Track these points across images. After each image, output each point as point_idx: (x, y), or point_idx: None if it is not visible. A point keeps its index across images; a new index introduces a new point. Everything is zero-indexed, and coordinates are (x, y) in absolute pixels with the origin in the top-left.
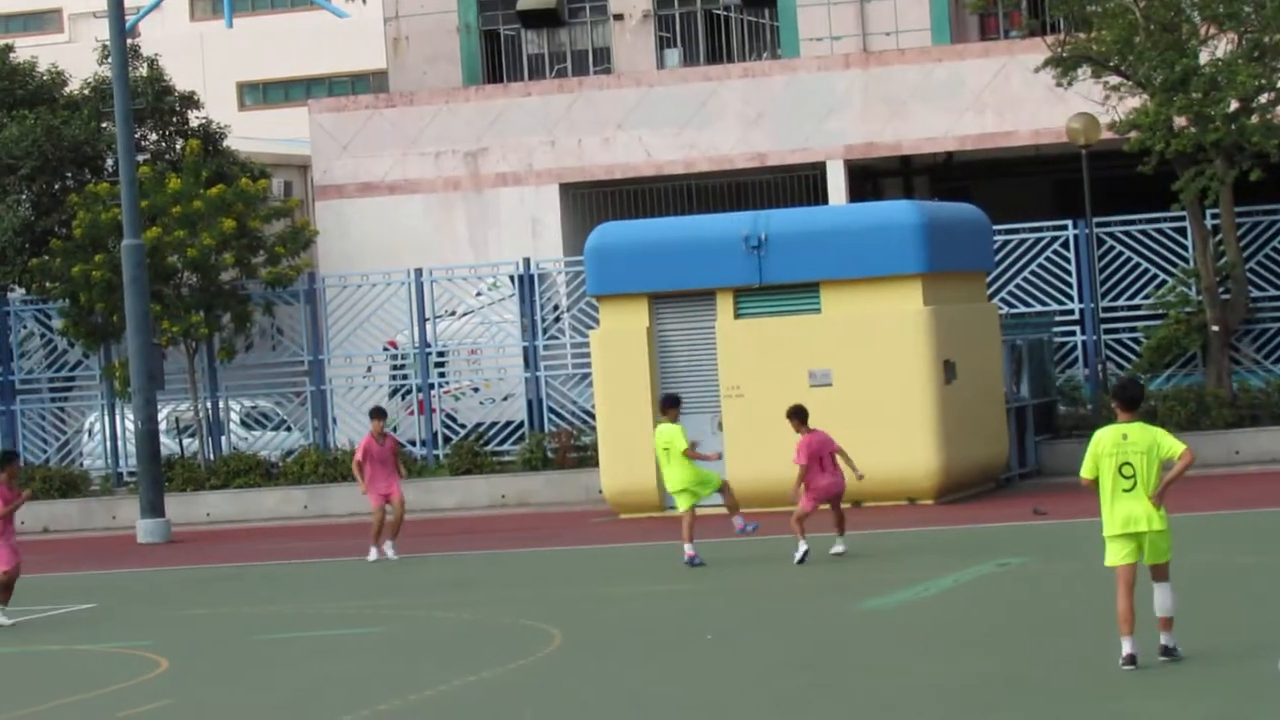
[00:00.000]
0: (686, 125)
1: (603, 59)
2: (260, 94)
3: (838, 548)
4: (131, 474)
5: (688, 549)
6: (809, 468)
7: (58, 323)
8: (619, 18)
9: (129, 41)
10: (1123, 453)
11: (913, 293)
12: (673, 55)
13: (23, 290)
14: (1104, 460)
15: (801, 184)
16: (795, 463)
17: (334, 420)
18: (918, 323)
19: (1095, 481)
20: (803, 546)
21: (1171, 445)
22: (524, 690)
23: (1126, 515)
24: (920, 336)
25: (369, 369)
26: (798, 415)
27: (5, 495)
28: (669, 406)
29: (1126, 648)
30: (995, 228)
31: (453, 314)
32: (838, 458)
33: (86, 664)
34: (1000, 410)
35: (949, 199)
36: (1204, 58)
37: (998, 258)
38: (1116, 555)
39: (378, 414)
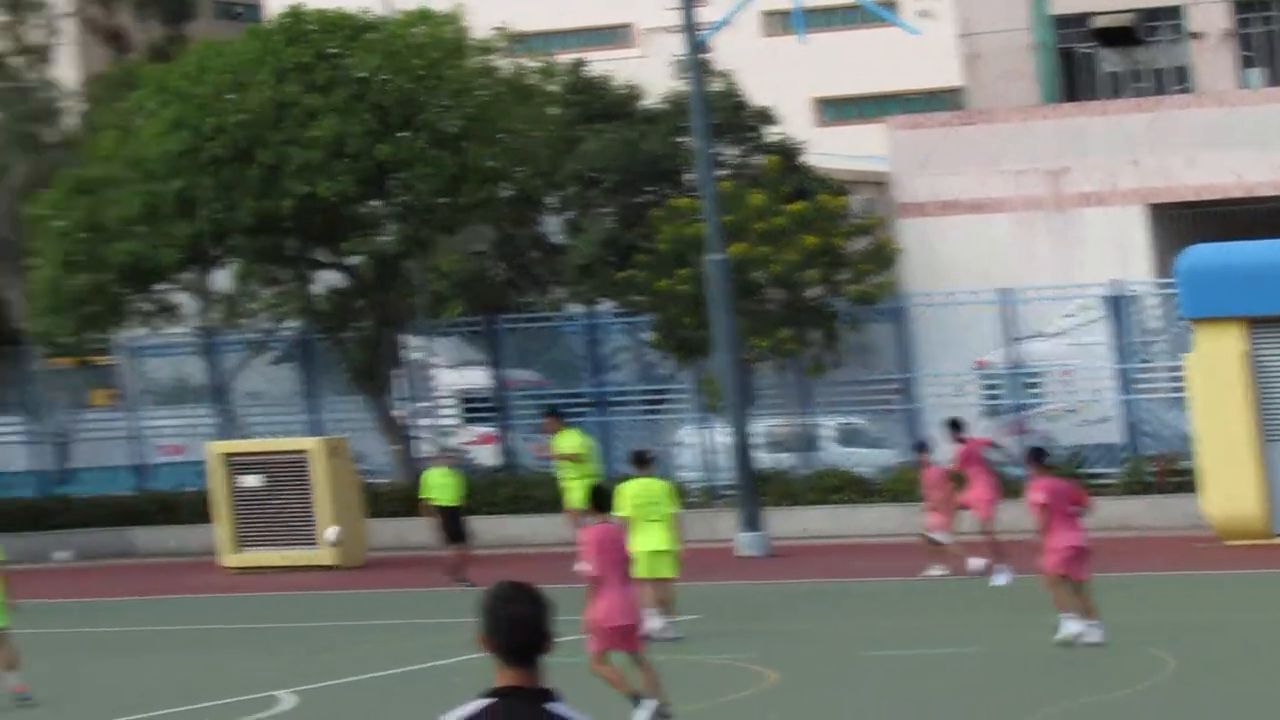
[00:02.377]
0: (1276, 146)
1: (1180, 78)
2: (836, 110)
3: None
4: (726, 487)
5: None
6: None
7: (648, 336)
8: (1197, 36)
9: (702, 56)
10: None
11: None
12: (1255, 75)
13: (611, 303)
14: None
15: None
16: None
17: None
18: None
19: None
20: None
21: None
22: (1140, 715)
23: None
24: None
25: (960, 388)
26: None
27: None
28: None
29: None
30: None
31: (1041, 334)
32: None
33: (698, 675)
34: None
35: None
36: None
37: None
38: None
39: None
